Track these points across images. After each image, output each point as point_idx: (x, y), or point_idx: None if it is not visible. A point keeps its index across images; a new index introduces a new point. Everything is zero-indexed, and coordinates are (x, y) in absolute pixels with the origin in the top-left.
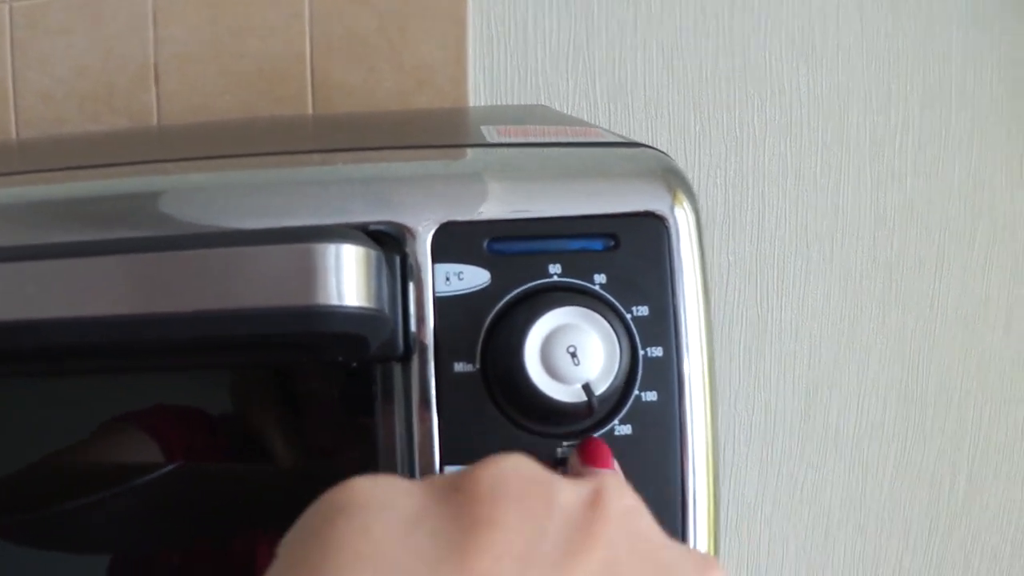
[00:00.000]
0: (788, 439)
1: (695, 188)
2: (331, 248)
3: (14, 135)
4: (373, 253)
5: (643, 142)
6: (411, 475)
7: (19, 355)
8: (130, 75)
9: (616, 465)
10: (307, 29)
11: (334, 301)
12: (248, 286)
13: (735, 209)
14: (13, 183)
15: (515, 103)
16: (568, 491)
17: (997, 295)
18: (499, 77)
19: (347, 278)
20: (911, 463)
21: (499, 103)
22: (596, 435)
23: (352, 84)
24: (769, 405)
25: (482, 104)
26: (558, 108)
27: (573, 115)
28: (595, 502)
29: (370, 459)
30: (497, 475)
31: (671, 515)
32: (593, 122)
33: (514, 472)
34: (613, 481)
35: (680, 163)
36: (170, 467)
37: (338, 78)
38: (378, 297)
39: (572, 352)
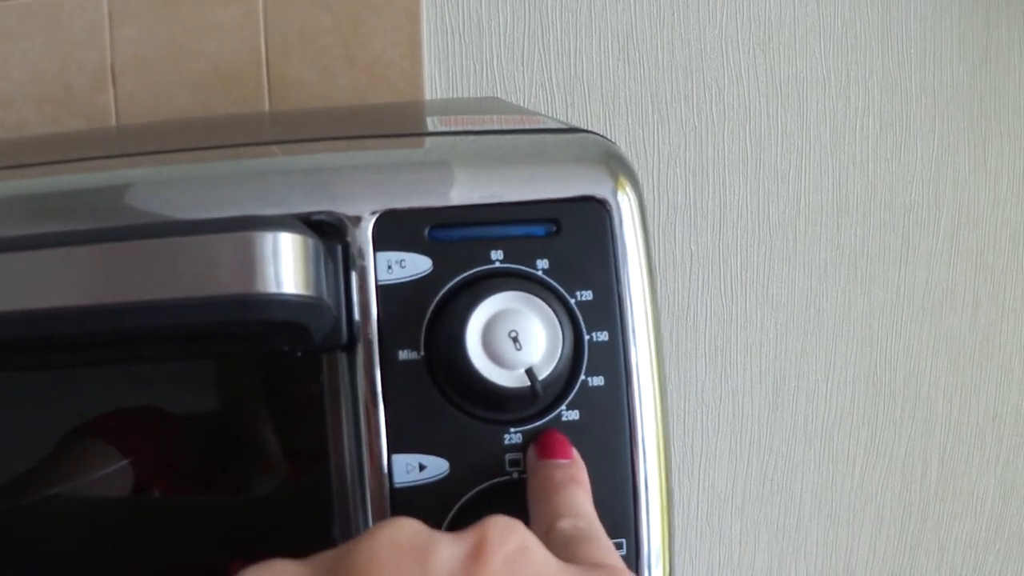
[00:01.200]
0: (757, 429)
1: (655, 179)
2: (268, 236)
3: None
4: (311, 241)
5: (585, 127)
6: (359, 466)
7: None
8: (87, 77)
9: (576, 453)
10: (261, 28)
11: (272, 289)
12: (187, 275)
13: (696, 199)
14: None
15: (471, 96)
16: (447, 551)
17: (964, 280)
18: (455, 71)
19: (285, 266)
20: (882, 451)
21: (455, 97)
22: (543, 421)
23: (308, 82)
24: (737, 395)
25: (438, 98)
26: (514, 101)
27: (528, 107)
28: (477, 555)
29: (320, 451)
30: (370, 550)
31: (622, 501)
32: (550, 114)
33: (389, 543)
34: (496, 527)
35: (639, 154)
36: (114, 470)
37: (293, 76)
38: (317, 285)
39: (514, 337)
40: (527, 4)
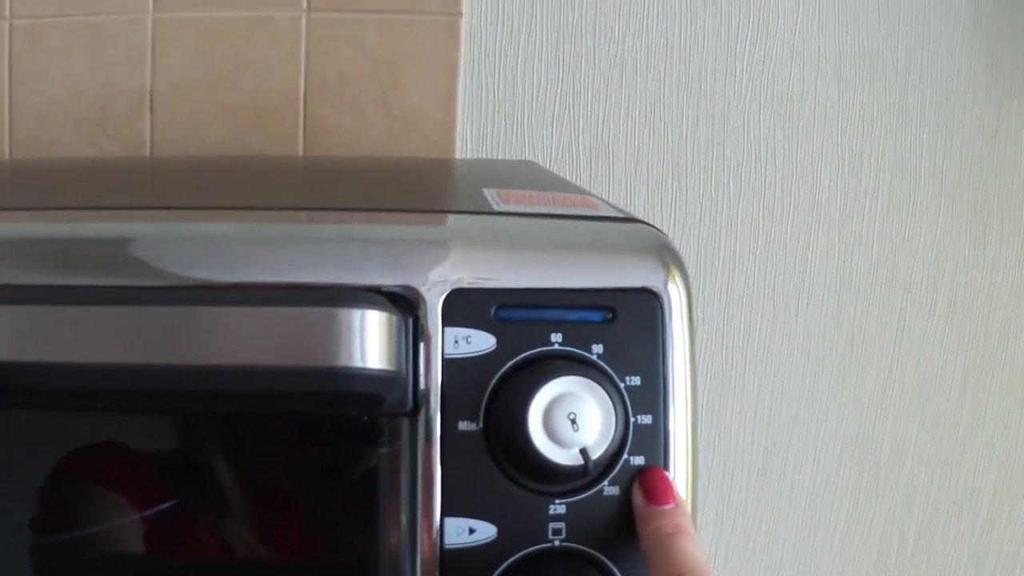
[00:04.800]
0: (745, 492)
1: None
2: (357, 313)
3: (7, 154)
4: (395, 318)
5: (639, 217)
6: (412, 526)
7: (49, 393)
8: (126, 101)
9: (679, 497)
10: (302, 67)
11: (357, 363)
12: (276, 343)
13: (706, 268)
14: (34, 218)
15: (501, 154)
16: None
17: (954, 361)
18: (486, 127)
19: (370, 342)
20: (863, 520)
21: (485, 153)
22: (586, 495)
23: (343, 126)
24: (728, 459)
25: (468, 153)
26: (542, 162)
27: (557, 171)
28: None
29: (371, 507)
30: None
31: None
32: (575, 177)
33: None
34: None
35: (655, 221)
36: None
37: (329, 119)
38: (397, 360)
39: (572, 418)
40: (562, 68)
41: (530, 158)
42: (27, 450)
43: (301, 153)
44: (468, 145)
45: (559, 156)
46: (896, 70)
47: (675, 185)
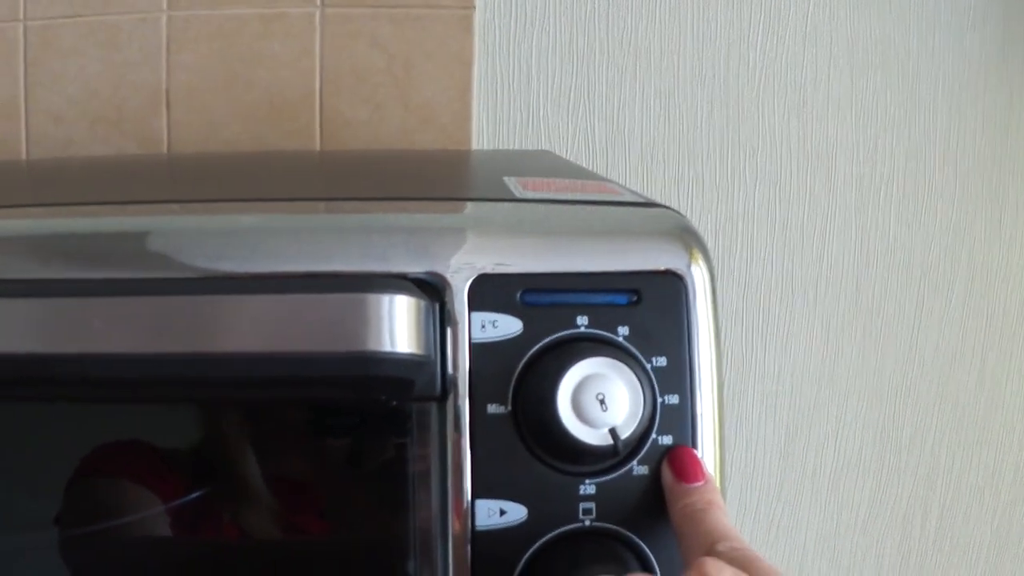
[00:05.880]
0: (767, 476)
1: None
2: (385, 298)
3: (24, 154)
4: (423, 303)
5: (660, 202)
6: (443, 509)
7: (84, 384)
8: (141, 100)
9: (708, 474)
10: (317, 64)
11: (387, 348)
12: (308, 330)
13: (724, 254)
14: (60, 214)
15: (516, 145)
16: None
17: (972, 342)
18: (501, 118)
19: (399, 326)
20: (885, 501)
21: (501, 144)
22: (616, 474)
23: (359, 120)
24: (750, 444)
25: (484, 144)
26: (558, 151)
27: (574, 160)
28: None
29: (402, 492)
30: None
31: None
32: (591, 166)
33: None
34: (711, 568)
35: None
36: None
37: (345, 114)
38: (426, 344)
39: (601, 399)
40: (576, 58)
41: (546, 148)
42: (51, 445)
43: (318, 148)
44: (484, 137)
45: (575, 145)
46: (908, 56)
47: (691, 173)
